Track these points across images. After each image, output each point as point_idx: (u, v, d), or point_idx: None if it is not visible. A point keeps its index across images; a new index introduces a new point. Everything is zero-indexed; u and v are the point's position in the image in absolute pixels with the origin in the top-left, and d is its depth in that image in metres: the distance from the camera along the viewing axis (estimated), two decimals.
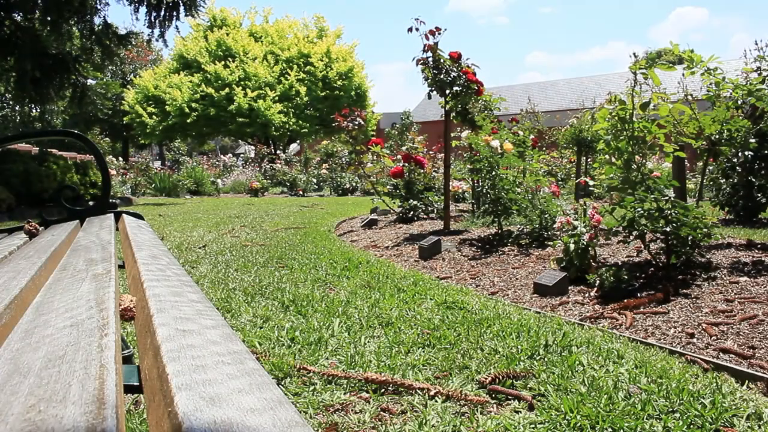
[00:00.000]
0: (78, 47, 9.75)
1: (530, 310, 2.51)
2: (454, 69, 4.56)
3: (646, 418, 1.30)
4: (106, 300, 0.67)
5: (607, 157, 2.89)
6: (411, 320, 2.18)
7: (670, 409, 1.34)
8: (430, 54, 4.55)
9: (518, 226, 4.29)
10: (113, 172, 12.71)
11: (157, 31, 9.43)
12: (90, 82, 11.89)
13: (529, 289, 2.91)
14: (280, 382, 1.56)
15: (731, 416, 1.32)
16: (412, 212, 5.94)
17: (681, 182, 3.34)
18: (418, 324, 2.12)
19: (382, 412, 1.37)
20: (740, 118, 3.28)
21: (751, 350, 1.89)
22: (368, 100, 23.03)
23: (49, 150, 9.01)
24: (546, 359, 1.70)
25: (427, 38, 4.52)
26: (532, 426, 1.28)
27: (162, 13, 9.37)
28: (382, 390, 1.50)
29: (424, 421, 1.30)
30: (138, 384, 0.59)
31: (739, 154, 4.57)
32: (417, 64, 4.57)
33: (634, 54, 2.85)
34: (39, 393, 0.39)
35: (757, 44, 4.48)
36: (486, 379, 1.55)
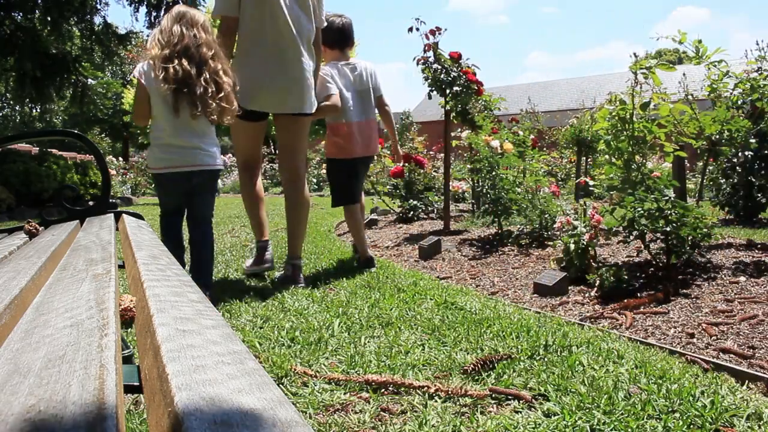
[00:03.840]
0: (78, 47, 9.76)
1: (530, 310, 2.51)
2: (454, 69, 4.56)
3: (646, 418, 1.30)
4: (106, 300, 0.67)
5: (607, 157, 2.89)
6: (411, 320, 2.18)
7: (670, 409, 1.34)
8: (430, 54, 4.55)
9: (518, 226, 4.29)
10: (113, 172, 12.72)
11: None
12: (90, 81, 11.89)
13: (529, 289, 2.91)
14: (279, 382, 1.57)
15: (731, 416, 1.32)
16: (412, 212, 5.94)
17: (681, 182, 3.34)
18: (418, 324, 2.12)
19: (382, 412, 1.37)
20: (741, 118, 3.28)
21: (751, 350, 1.89)
22: None
23: (49, 150, 9.02)
24: (546, 359, 1.70)
25: (428, 38, 4.52)
26: (532, 426, 1.28)
27: (162, 12, 9.38)
28: (382, 390, 1.50)
29: (424, 421, 1.30)
30: (138, 384, 0.59)
31: (739, 154, 4.58)
32: (417, 64, 4.57)
33: (634, 54, 2.85)
34: (39, 393, 0.39)
35: (758, 44, 4.48)
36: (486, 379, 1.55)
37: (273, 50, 2.70)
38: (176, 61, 2.29)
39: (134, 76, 2.40)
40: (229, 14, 2.70)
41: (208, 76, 2.33)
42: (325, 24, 3.01)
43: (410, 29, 4.51)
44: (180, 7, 2.51)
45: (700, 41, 2.87)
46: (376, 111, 3.47)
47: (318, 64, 3.00)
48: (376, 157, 7.13)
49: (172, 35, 2.36)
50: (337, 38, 3.29)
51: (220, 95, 2.34)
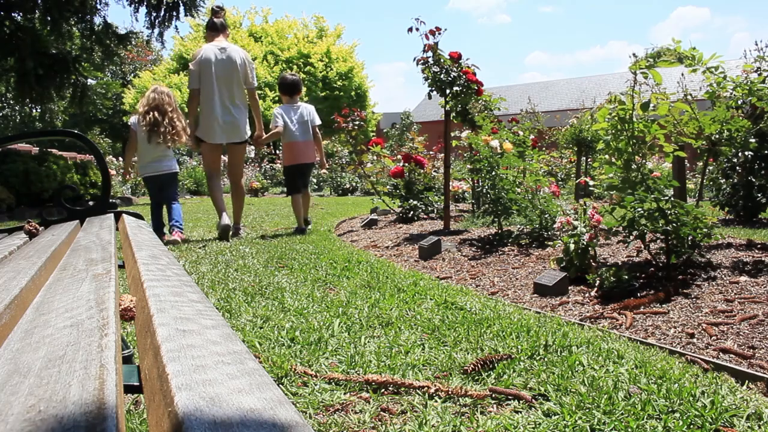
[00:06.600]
0: (78, 47, 9.76)
1: (530, 310, 2.51)
2: (455, 69, 4.56)
3: (646, 418, 1.30)
4: (106, 300, 0.67)
5: (607, 157, 2.89)
6: (411, 320, 2.18)
7: (670, 409, 1.34)
8: (430, 54, 4.55)
9: (518, 226, 4.29)
10: (113, 172, 12.70)
11: (156, 31, 9.44)
12: (90, 81, 11.88)
13: (529, 289, 2.91)
14: (279, 382, 1.57)
15: (731, 416, 1.32)
16: (412, 212, 5.94)
17: (681, 182, 3.34)
18: (418, 324, 2.12)
19: (382, 412, 1.37)
20: (740, 118, 3.27)
21: (751, 350, 1.89)
22: (368, 101, 23.00)
23: (49, 150, 9.01)
24: (546, 359, 1.70)
25: (428, 38, 4.52)
26: (532, 426, 1.28)
27: (162, 13, 9.38)
28: (382, 390, 1.50)
29: (424, 421, 1.30)
30: (138, 384, 0.59)
31: (739, 154, 4.58)
32: (417, 64, 4.57)
33: (633, 54, 2.85)
34: (39, 393, 0.39)
35: (757, 45, 4.49)
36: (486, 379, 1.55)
37: (218, 105, 4.73)
38: (150, 113, 4.55)
39: (130, 127, 4.77)
40: (194, 87, 4.76)
41: (167, 121, 4.57)
42: (255, 84, 4.95)
43: (410, 29, 4.51)
44: (155, 85, 4.69)
45: (694, 48, 2.87)
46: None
47: (257, 109, 5.03)
48: (376, 157, 7.58)
49: (149, 100, 4.61)
50: (290, 89, 5.34)
51: (173, 132, 4.60)
